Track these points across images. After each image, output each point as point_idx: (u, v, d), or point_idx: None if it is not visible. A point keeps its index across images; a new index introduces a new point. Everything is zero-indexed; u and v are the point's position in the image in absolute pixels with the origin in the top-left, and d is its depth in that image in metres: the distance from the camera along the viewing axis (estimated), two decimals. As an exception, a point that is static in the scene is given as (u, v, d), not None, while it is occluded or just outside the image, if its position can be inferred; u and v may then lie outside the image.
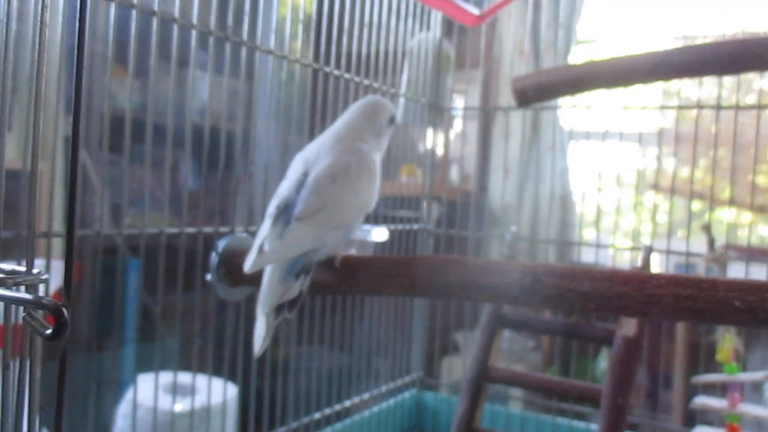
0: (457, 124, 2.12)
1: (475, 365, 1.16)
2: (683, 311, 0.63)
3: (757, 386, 1.67)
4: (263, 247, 0.74)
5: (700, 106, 1.28)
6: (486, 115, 2.15)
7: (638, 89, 1.36)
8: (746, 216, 1.87)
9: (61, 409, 0.37)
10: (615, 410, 1.04)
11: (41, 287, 0.39)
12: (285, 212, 0.75)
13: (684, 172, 1.74)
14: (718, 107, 1.25)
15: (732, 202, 1.31)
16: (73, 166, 0.39)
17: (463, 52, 1.58)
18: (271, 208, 0.76)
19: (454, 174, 2.21)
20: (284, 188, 0.79)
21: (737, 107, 1.24)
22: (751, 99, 1.44)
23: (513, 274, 0.71)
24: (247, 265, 0.72)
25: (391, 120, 0.85)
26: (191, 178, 1.46)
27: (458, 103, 1.94)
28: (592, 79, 0.88)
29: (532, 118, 2.03)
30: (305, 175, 0.78)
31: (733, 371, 1.08)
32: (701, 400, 1.11)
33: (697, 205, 1.91)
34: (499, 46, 2.13)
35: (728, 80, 1.35)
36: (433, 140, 1.51)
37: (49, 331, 0.35)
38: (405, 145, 1.52)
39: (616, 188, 1.40)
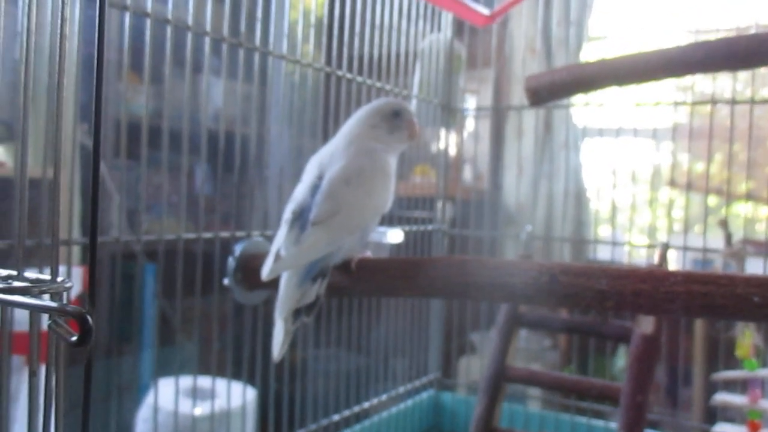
0: (470, 124, 2.11)
1: (493, 365, 1.16)
2: (701, 308, 0.63)
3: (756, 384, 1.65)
4: (280, 253, 0.74)
5: (714, 101, 1.27)
6: (498, 115, 2.14)
7: (652, 85, 1.36)
8: (763, 210, 1.85)
9: (88, 415, 0.38)
10: (634, 408, 1.03)
11: (64, 294, 0.40)
12: (300, 217, 0.75)
13: (699, 167, 1.73)
14: (733, 102, 1.24)
15: (749, 196, 1.30)
16: (95, 173, 0.40)
17: (475, 51, 1.57)
18: (287, 214, 0.77)
19: (467, 174, 2.21)
20: (299, 192, 0.79)
21: (752, 101, 1.23)
22: (766, 92, 1.42)
23: (529, 274, 0.71)
24: (265, 272, 0.73)
25: (395, 114, 0.82)
26: (207, 183, 1.47)
27: (470, 102, 1.94)
28: (606, 77, 0.88)
29: (545, 116, 2.02)
30: (320, 178, 0.78)
31: (753, 367, 1.07)
32: (722, 397, 1.10)
33: (713, 201, 1.89)
34: (510, 44, 2.12)
35: (743, 74, 1.34)
36: (446, 140, 1.51)
37: (74, 338, 0.35)
38: (418, 145, 1.52)
39: (631, 185, 1.39)
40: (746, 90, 1.31)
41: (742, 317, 0.61)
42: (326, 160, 0.80)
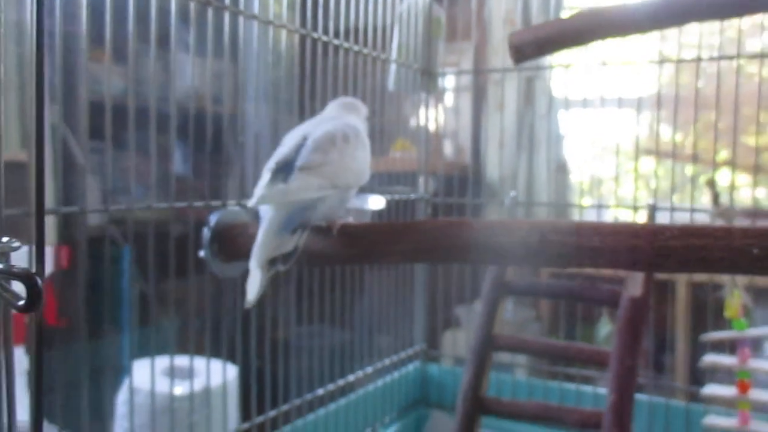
0: (449, 98, 2.08)
1: (480, 333, 1.14)
2: (698, 262, 0.60)
3: (757, 344, 1.66)
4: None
5: (699, 59, 1.24)
6: (478, 83, 2.11)
7: (635, 48, 1.33)
8: (743, 178, 1.85)
9: (41, 391, 0.34)
10: (624, 372, 1.01)
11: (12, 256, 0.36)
12: (285, 168, 0.75)
13: (680, 137, 1.71)
14: (719, 58, 1.22)
15: (731, 163, 1.28)
16: (38, 150, 0.37)
17: (454, 23, 1.54)
18: (270, 164, 0.76)
19: (448, 148, 2.18)
20: (282, 152, 0.78)
21: (738, 56, 1.21)
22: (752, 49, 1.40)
23: (518, 233, 0.68)
24: (253, 201, 0.73)
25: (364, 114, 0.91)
26: (179, 152, 1.42)
27: (450, 76, 1.90)
28: (591, 30, 0.84)
29: (525, 87, 2.00)
30: (305, 139, 0.78)
31: (742, 327, 1.06)
32: (711, 359, 1.09)
33: (693, 169, 1.88)
34: (489, 15, 2.09)
35: (729, 32, 1.32)
36: (426, 113, 1.47)
37: (22, 302, 0.32)
38: (398, 119, 1.48)
39: (613, 155, 1.37)
40: (731, 48, 1.28)
41: (741, 270, 0.59)
42: (310, 129, 0.82)
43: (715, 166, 1.26)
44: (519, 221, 0.69)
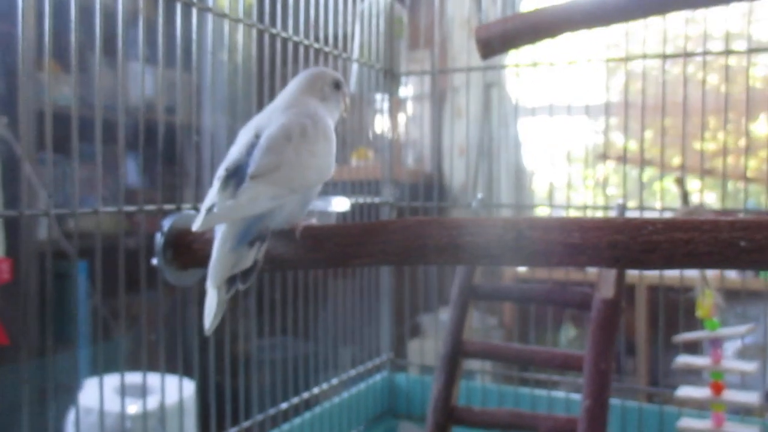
0: (410, 107, 2.06)
1: (450, 340, 1.10)
2: (684, 257, 0.57)
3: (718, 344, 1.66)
4: (212, 209, 0.66)
5: (645, 56, 1.24)
6: (438, 95, 2.10)
7: (585, 48, 1.33)
8: (695, 183, 1.87)
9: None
10: (599, 376, 0.99)
11: None
12: (236, 174, 0.67)
13: (633, 144, 1.72)
14: (664, 56, 1.22)
15: (682, 168, 1.28)
16: None
17: (416, 31, 1.52)
18: (220, 171, 0.69)
19: (409, 156, 2.17)
20: (234, 152, 0.71)
21: (685, 54, 1.22)
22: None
23: (493, 231, 0.64)
24: (196, 224, 0.64)
25: (336, 85, 0.79)
26: (132, 157, 1.36)
27: (411, 83, 1.88)
28: (560, 23, 0.82)
29: (485, 94, 2.00)
30: (257, 137, 0.71)
31: (714, 327, 1.04)
32: (683, 359, 1.07)
33: (652, 172, 1.90)
34: (449, 21, 2.09)
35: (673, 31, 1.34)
36: (388, 121, 1.44)
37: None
38: (360, 127, 1.44)
39: (567, 163, 1.36)
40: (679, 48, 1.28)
41: (728, 264, 0.56)
42: (264, 122, 0.74)
43: (665, 170, 1.26)
44: (493, 219, 0.65)
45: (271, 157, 0.67)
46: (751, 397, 1.03)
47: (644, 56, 1.23)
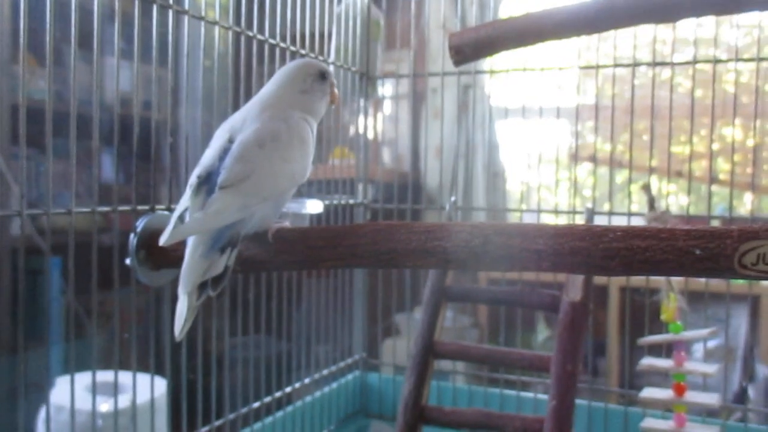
0: (388, 107, 2.08)
1: (421, 341, 1.12)
2: (642, 264, 0.59)
3: (689, 346, 1.70)
4: (183, 219, 0.66)
5: (616, 65, 1.27)
6: (416, 96, 2.11)
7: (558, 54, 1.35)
8: (670, 186, 1.91)
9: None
10: (565, 378, 1.01)
11: None
12: (207, 181, 0.68)
13: (607, 146, 1.75)
14: (634, 65, 1.25)
15: (650, 172, 1.31)
16: None
17: (393, 32, 1.53)
18: (192, 178, 0.69)
19: (386, 156, 2.18)
20: (207, 157, 0.72)
21: (654, 64, 1.25)
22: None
23: (460, 236, 0.66)
24: (164, 238, 0.65)
25: (322, 76, 0.78)
26: (107, 157, 1.36)
27: (389, 84, 1.89)
28: (533, 32, 0.84)
29: (462, 95, 2.02)
30: (230, 141, 0.71)
31: (678, 330, 1.07)
32: (648, 362, 1.10)
33: (624, 175, 1.93)
34: (426, 23, 2.10)
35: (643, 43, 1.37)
36: (365, 120, 1.45)
37: None
38: (337, 126, 1.45)
39: (542, 164, 1.39)
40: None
41: (685, 272, 0.58)
42: (238, 124, 0.74)
43: (637, 173, 1.29)
44: (461, 223, 0.67)
45: (241, 165, 0.67)
46: (712, 399, 1.06)
47: (615, 65, 1.26)
